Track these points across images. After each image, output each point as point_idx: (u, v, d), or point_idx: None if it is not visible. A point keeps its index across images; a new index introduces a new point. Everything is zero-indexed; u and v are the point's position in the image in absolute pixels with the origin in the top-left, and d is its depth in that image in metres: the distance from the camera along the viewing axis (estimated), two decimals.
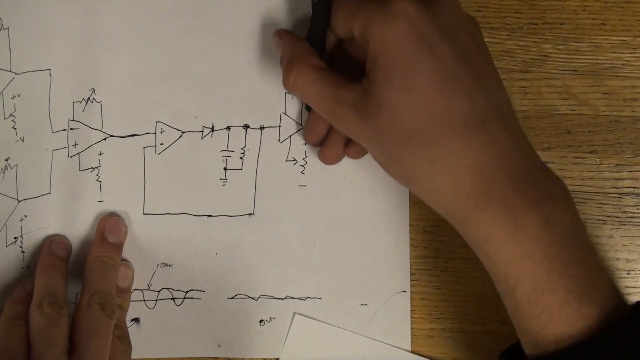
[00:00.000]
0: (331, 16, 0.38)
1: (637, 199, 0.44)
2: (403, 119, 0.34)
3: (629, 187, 0.44)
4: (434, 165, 0.34)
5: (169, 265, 0.44)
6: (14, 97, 0.42)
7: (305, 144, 0.43)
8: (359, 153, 0.41)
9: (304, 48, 0.39)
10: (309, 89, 0.37)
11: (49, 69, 0.43)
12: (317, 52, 0.39)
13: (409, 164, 0.35)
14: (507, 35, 0.44)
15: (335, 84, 0.37)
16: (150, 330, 0.44)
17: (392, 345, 0.43)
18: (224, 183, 0.44)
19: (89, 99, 0.43)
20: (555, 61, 0.44)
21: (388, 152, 0.35)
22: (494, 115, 0.34)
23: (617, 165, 0.44)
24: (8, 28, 0.42)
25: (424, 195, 0.36)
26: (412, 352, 0.43)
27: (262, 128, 0.44)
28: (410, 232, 0.44)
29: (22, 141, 0.42)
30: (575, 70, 0.44)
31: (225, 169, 0.44)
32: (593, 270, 0.34)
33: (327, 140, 0.41)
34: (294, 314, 0.44)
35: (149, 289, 0.44)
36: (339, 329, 0.43)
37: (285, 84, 0.38)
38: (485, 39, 0.43)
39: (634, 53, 0.44)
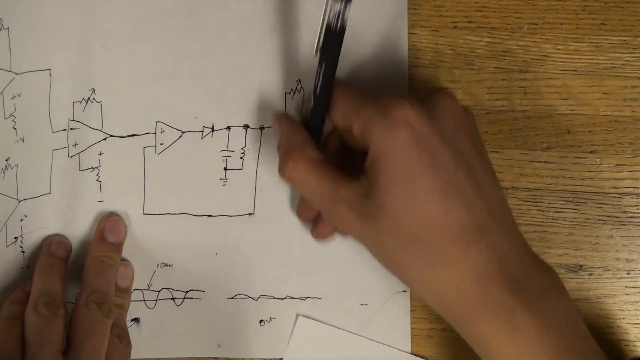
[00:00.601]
0: (331, 108, 0.39)
1: (637, 199, 0.44)
2: (404, 225, 0.35)
3: (629, 187, 0.44)
4: (433, 271, 0.35)
5: (169, 265, 0.44)
6: (14, 97, 0.42)
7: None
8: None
9: (302, 138, 0.39)
10: (305, 183, 0.38)
11: (49, 69, 0.43)
12: (314, 138, 0.39)
13: (408, 267, 0.36)
14: (507, 35, 0.44)
15: (332, 180, 0.37)
16: (150, 330, 0.44)
17: (398, 350, 0.43)
18: (224, 183, 0.44)
19: (89, 99, 0.43)
20: (555, 61, 0.44)
21: (387, 254, 0.37)
22: (490, 220, 0.35)
23: (617, 165, 0.44)
24: (8, 28, 0.42)
25: (423, 296, 0.37)
26: (413, 353, 0.43)
27: (262, 128, 0.44)
28: None
29: (22, 141, 0.42)
30: (575, 70, 0.44)
31: (225, 169, 0.44)
32: (590, 357, 0.35)
33: (320, 219, 0.42)
34: (297, 315, 0.44)
35: (149, 289, 0.44)
36: (342, 331, 0.43)
37: (282, 173, 0.39)
38: (485, 39, 0.44)
39: (634, 53, 0.44)
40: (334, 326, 0.44)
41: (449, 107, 0.37)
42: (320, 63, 0.38)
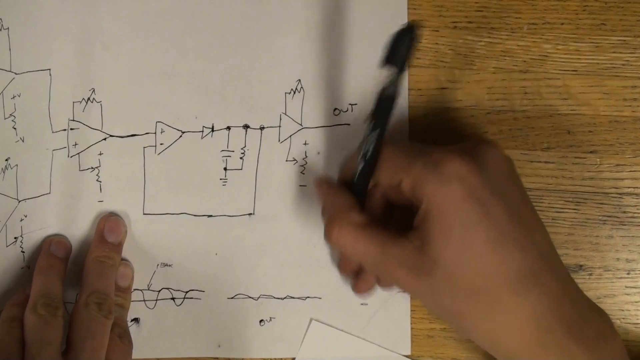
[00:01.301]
0: (377, 166, 0.39)
1: (637, 199, 0.44)
2: (461, 277, 0.35)
3: (629, 187, 0.44)
4: (493, 319, 0.35)
5: (169, 265, 0.44)
6: (14, 97, 0.42)
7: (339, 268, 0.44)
8: (392, 286, 0.42)
9: (344, 202, 0.39)
10: (353, 247, 0.38)
11: (49, 69, 0.43)
12: (359, 199, 0.39)
13: (468, 318, 0.36)
14: (507, 35, 0.44)
15: (381, 240, 0.37)
16: (150, 330, 0.44)
17: (409, 358, 0.43)
18: (224, 183, 0.44)
19: (89, 99, 0.43)
20: (555, 61, 0.44)
21: (445, 307, 0.37)
22: (544, 266, 0.36)
23: (617, 165, 0.44)
24: (8, 28, 0.42)
25: (482, 344, 0.37)
26: (416, 356, 0.44)
27: (262, 128, 0.44)
28: None
29: (22, 141, 0.42)
30: (575, 70, 0.44)
31: (225, 169, 0.44)
32: None
33: (361, 274, 0.42)
34: (311, 319, 0.44)
35: (149, 289, 0.44)
36: (352, 336, 0.44)
37: (328, 239, 0.38)
38: (485, 39, 0.44)
39: (634, 53, 0.44)
40: (344, 331, 0.44)
41: (494, 157, 0.37)
42: (373, 129, 0.37)
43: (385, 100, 0.36)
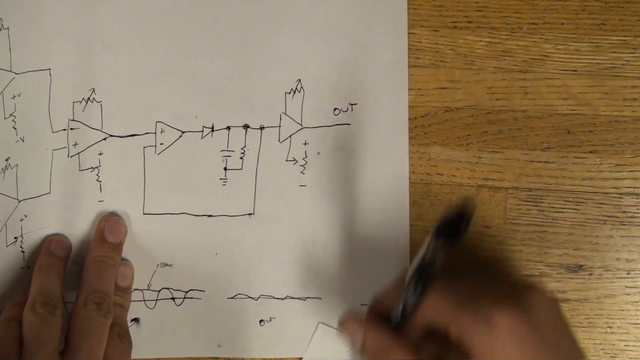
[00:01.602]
0: (421, 307, 0.38)
1: (637, 199, 0.44)
2: None
3: (629, 187, 0.44)
4: None
5: (169, 265, 0.44)
6: (14, 97, 0.42)
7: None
8: None
9: (391, 339, 0.38)
10: None
11: (49, 69, 0.43)
12: (397, 326, 0.38)
13: None
14: (507, 35, 0.44)
15: None
16: (150, 330, 0.44)
17: None
18: (224, 183, 0.44)
19: (89, 99, 0.43)
20: (555, 61, 0.44)
21: None
22: None
23: (617, 165, 0.44)
24: (8, 28, 0.42)
25: None
26: None
27: (262, 128, 0.44)
28: (410, 232, 0.44)
29: (22, 141, 0.42)
30: (575, 70, 0.44)
31: (225, 169, 0.44)
32: None
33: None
34: (319, 323, 0.44)
35: (149, 289, 0.44)
36: None
37: None
38: (485, 39, 0.44)
39: (634, 53, 0.44)
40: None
41: (543, 304, 0.37)
42: (415, 285, 0.37)
43: (429, 265, 0.36)
